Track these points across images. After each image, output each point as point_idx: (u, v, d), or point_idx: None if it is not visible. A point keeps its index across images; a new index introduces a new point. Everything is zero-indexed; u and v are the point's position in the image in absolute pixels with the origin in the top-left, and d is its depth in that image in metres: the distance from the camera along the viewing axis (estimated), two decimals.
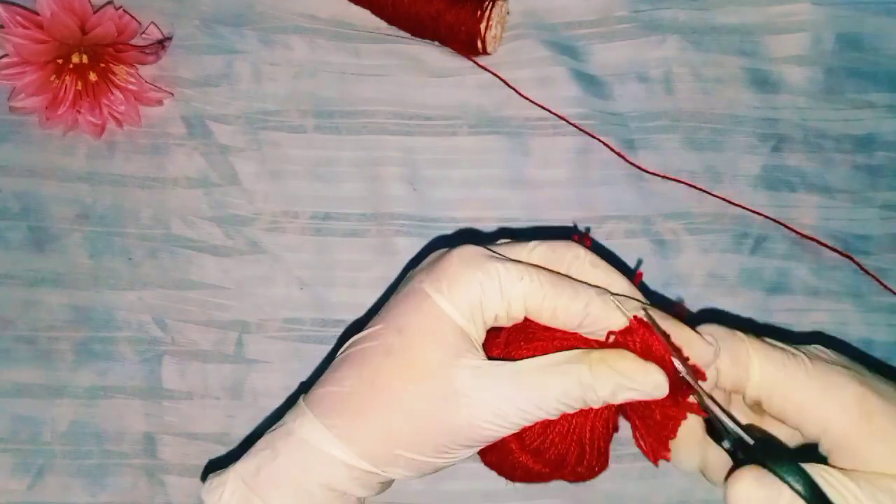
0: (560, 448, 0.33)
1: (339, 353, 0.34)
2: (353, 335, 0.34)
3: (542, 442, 0.33)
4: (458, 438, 0.32)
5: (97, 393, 0.46)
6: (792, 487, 0.28)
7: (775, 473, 0.29)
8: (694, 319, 0.33)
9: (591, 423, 0.33)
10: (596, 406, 0.32)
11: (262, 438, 0.34)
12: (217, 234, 0.47)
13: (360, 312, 0.47)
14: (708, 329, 0.32)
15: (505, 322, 0.33)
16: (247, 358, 0.46)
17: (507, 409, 0.31)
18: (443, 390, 0.31)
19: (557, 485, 0.45)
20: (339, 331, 0.46)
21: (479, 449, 0.33)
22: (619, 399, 0.31)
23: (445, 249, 0.34)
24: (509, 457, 0.34)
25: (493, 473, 0.44)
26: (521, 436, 0.33)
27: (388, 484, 0.34)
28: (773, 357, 0.32)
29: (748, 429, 0.31)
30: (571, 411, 0.32)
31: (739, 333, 0.33)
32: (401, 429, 0.32)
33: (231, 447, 0.45)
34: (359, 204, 0.48)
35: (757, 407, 0.33)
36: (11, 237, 0.47)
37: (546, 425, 0.33)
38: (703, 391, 0.32)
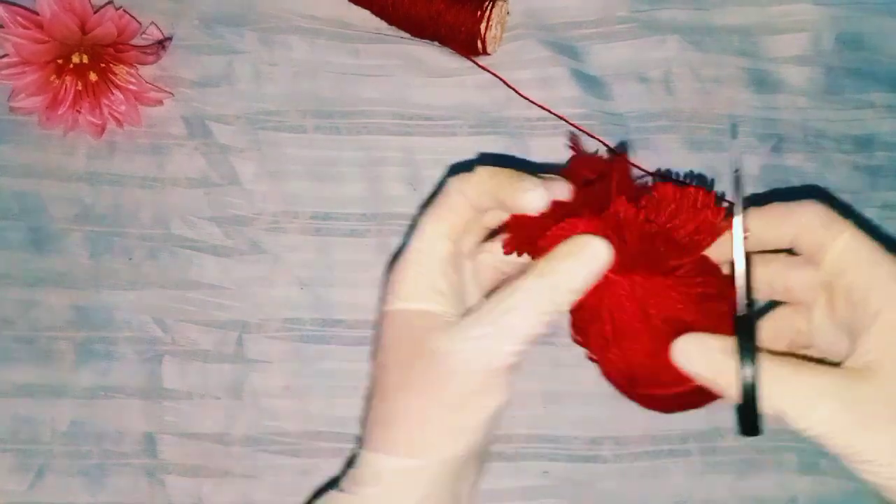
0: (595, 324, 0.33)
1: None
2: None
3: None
4: (463, 394, 0.32)
5: (97, 393, 0.46)
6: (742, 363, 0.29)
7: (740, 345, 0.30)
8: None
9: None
10: (573, 299, 0.32)
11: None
12: (217, 234, 0.47)
13: (360, 312, 0.47)
14: (808, 204, 0.33)
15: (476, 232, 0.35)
16: (247, 358, 0.46)
17: (490, 346, 0.32)
18: (433, 364, 0.32)
19: (557, 485, 0.45)
20: (339, 331, 0.46)
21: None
22: (582, 284, 0.32)
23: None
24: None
25: (493, 473, 0.45)
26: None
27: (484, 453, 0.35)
28: (865, 240, 0.32)
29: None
30: (553, 317, 0.32)
31: (844, 220, 0.33)
32: (422, 410, 0.33)
33: (231, 447, 0.45)
34: (359, 204, 0.48)
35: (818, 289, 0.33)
36: (11, 237, 0.47)
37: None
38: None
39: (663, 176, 0.35)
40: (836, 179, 0.49)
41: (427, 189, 0.48)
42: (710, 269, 0.33)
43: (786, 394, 0.30)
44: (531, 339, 0.32)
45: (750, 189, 0.48)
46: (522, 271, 0.33)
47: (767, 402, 0.30)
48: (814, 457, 0.45)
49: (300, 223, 0.48)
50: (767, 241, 0.34)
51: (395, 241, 0.47)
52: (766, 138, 0.49)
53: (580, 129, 0.48)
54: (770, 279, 0.34)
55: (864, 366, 0.30)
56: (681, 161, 0.48)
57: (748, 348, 0.30)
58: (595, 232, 0.32)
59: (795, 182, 0.48)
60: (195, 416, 0.45)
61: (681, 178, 0.43)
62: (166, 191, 0.48)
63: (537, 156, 0.48)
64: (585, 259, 0.32)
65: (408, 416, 0.33)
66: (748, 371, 0.29)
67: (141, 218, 0.48)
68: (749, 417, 0.30)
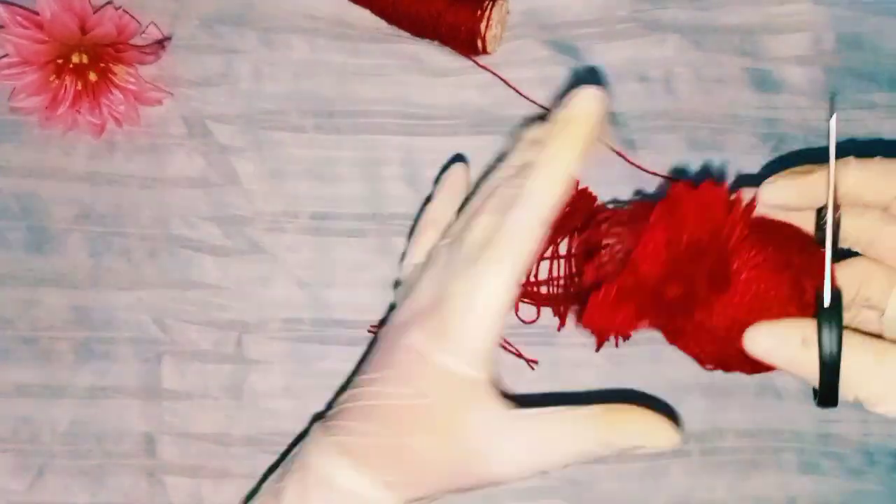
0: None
1: (349, 394, 0.36)
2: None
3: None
4: (481, 483, 0.34)
5: (97, 393, 0.46)
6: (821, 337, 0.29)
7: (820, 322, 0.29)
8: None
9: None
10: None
11: (287, 479, 0.35)
12: (217, 234, 0.47)
13: (360, 312, 0.47)
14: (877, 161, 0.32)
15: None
16: (247, 358, 0.46)
17: (525, 462, 0.32)
18: (460, 449, 0.33)
19: (557, 485, 0.45)
20: (339, 331, 0.46)
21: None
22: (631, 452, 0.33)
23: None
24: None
25: None
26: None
27: None
28: None
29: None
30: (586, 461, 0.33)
31: None
32: (428, 477, 0.33)
33: (231, 447, 0.45)
34: (359, 204, 0.48)
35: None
36: (11, 237, 0.47)
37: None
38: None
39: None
40: None
41: (427, 189, 0.48)
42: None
43: (864, 384, 0.29)
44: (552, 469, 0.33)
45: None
46: None
47: (847, 390, 0.30)
48: (814, 457, 0.45)
49: (300, 223, 0.48)
50: (866, 196, 0.32)
51: (395, 241, 0.47)
52: (766, 138, 0.49)
53: None
54: (858, 232, 0.33)
55: None
56: (681, 161, 0.48)
57: (830, 331, 0.29)
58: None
59: None
60: (195, 416, 0.45)
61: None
62: (166, 191, 0.48)
63: None
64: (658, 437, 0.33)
65: (412, 473, 0.33)
66: (828, 355, 0.29)
67: (141, 218, 0.48)
68: (827, 395, 0.30)
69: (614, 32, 0.50)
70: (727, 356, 0.33)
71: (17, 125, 0.48)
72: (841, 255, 0.33)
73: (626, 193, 0.48)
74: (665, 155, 0.48)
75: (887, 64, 0.50)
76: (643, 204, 0.33)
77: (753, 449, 0.46)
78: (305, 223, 0.48)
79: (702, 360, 0.34)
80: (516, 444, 0.32)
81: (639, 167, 0.48)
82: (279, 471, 0.38)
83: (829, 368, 0.29)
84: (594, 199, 0.48)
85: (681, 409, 0.46)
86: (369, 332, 0.46)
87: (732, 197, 0.33)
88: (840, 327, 0.29)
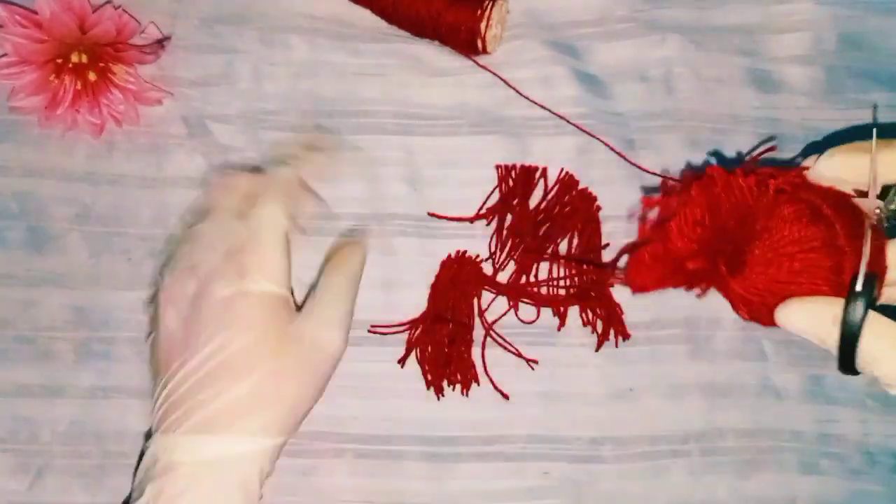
0: None
1: (167, 391, 0.39)
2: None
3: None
4: (327, 366, 0.40)
5: (97, 393, 0.46)
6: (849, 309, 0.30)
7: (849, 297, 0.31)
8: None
9: None
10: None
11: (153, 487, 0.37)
12: None
13: (360, 312, 0.46)
14: None
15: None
16: None
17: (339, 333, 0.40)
18: (304, 351, 0.38)
19: (557, 485, 0.45)
20: None
21: None
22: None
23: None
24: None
25: (494, 473, 0.45)
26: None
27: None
28: None
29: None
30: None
31: None
32: (288, 399, 0.38)
33: None
34: (359, 204, 0.48)
35: None
36: (11, 237, 0.47)
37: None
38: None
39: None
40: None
41: (427, 189, 0.48)
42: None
43: (881, 365, 0.31)
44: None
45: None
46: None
47: (865, 367, 0.31)
48: (814, 457, 0.45)
49: (300, 223, 0.47)
50: None
51: (395, 241, 0.47)
52: (765, 138, 0.49)
53: (580, 129, 0.48)
54: None
55: None
56: (681, 161, 0.48)
57: (854, 310, 0.31)
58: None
59: None
60: None
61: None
62: (166, 191, 0.48)
63: (538, 156, 0.48)
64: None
65: (283, 400, 0.38)
66: (848, 333, 0.31)
67: (140, 218, 0.47)
68: (846, 367, 0.32)
69: (614, 32, 0.50)
70: (759, 315, 0.34)
71: (17, 125, 0.48)
72: None
73: (626, 193, 0.48)
74: (665, 155, 0.48)
75: (887, 64, 0.50)
76: (692, 176, 0.35)
77: (753, 449, 0.46)
78: (306, 223, 0.48)
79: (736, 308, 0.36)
80: (318, 323, 0.39)
81: (639, 167, 0.48)
82: (135, 495, 0.38)
83: (847, 345, 0.31)
84: (594, 198, 0.48)
85: (681, 409, 0.46)
86: (369, 332, 0.46)
87: (774, 177, 0.34)
88: (866, 308, 0.31)
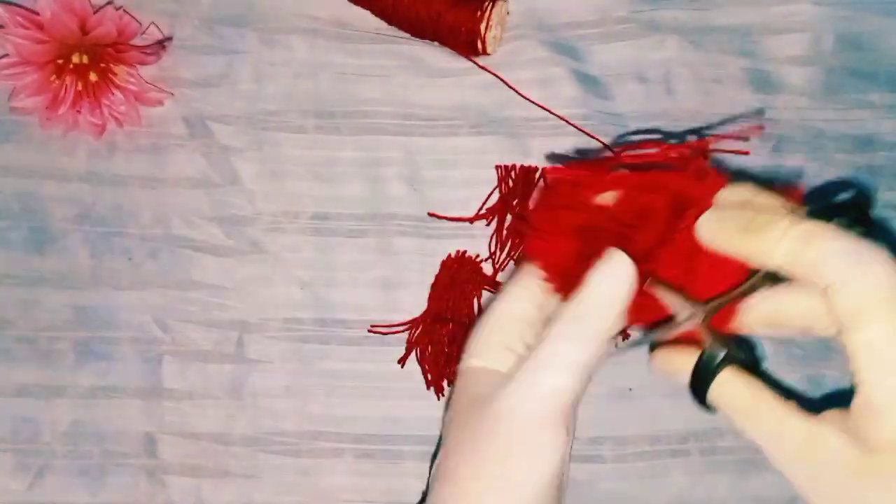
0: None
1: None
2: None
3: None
4: (511, 442, 0.32)
5: (97, 393, 0.46)
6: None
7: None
8: None
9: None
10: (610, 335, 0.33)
11: None
12: (217, 234, 0.47)
13: (360, 312, 0.47)
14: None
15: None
16: (247, 358, 0.46)
17: (534, 392, 0.32)
18: (483, 418, 0.33)
19: None
20: (339, 331, 0.47)
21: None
22: (615, 323, 0.33)
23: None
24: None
25: None
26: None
27: None
28: (850, 248, 0.29)
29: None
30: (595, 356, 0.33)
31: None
32: (473, 468, 0.33)
33: (231, 447, 0.45)
34: (359, 204, 0.48)
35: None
36: (11, 237, 0.47)
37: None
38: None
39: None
40: (836, 180, 0.49)
41: (427, 189, 0.48)
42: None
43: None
44: (575, 384, 0.32)
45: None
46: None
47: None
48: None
49: (300, 223, 0.48)
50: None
51: (395, 241, 0.47)
52: (766, 138, 0.49)
53: (580, 129, 0.48)
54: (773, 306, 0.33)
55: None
56: None
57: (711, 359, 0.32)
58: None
59: (796, 182, 0.48)
60: (195, 416, 0.46)
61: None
62: (166, 191, 0.48)
63: (537, 156, 0.48)
64: (616, 292, 0.32)
65: (463, 473, 0.33)
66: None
67: (141, 218, 0.48)
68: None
69: (614, 33, 0.50)
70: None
71: (18, 125, 0.48)
72: None
73: None
74: None
75: (887, 64, 0.50)
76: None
77: (753, 449, 0.45)
78: (306, 223, 0.48)
79: None
80: (516, 385, 0.32)
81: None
82: None
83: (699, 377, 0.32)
84: None
85: (681, 409, 0.46)
86: (369, 332, 0.46)
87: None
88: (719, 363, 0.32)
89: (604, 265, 0.32)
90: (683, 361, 0.33)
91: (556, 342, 0.32)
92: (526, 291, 0.35)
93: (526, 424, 0.32)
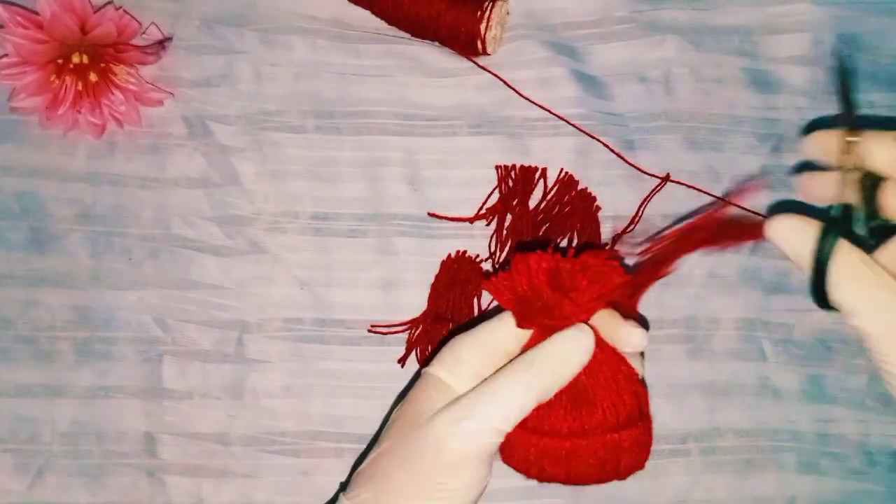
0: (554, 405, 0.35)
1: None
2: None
3: (539, 410, 0.35)
4: (436, 467, 0.34)
5: (97, 393, 0.46)
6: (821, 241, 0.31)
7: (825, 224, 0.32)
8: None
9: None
10: (553, 392, 0.35)
11: None
12: (217, 234, 0.47)
13: (360, 312, 0.47)
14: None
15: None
16: (247, 358, 0.46)
17: (471, 427, 0.34)
18: (421, 437, 0.34)
19: (557, 485, 0.45)
20: (339, 331, 0.46)
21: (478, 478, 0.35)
22: (565, 382, 0.35)
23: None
24: (519, 444, 0.35)
25: (494, 473, 0.44)
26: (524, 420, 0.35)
27: None
28: None
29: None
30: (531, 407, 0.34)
31: None
32: (400, 480, 0.34)
33: (231, 447, 0.45)
34: (359, 204, 0.48)
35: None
36: (12, 237, 0.47)
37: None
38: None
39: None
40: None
41: (427, 189, 0.48)
42: None
43: (844, 295, 0.31)
44: (509, 427, 0.34)
45: (749, 185, 0.48)
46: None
47: (831, 294, 0.32)
48: (814, 457, 0.45)
49: (300, 223, 0.48)
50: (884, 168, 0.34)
51: (395, 241, 0.47)
52: (766, 138, 0.49)
53: (580, 129, 0.48)
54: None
55: None
56: (680, 161, 0.48)
57: (829, 238, 0.32)
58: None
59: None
60: (195, 416, 0.45)
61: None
62: (166, 191, 0.48)
63: (537, 156, 0.48)
64: (573, 357, 0.35)
65: (386, 482, 0.34)
66: (819, 259, 0.32)
67: (141, 218, 0.48)
68: (816, 294, 0.32)
69: (613, 33, 0.50)
70: None
71: (18, 125, 0.48)
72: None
73: (625, 194, 0.48)
74: (664, 155, 0.48)
75: (887, 64, 0.50)
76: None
77: (753, 449, 0.46)
78: (306, 223, 0.48)
79: None
80: (459, 415, 0.34)
81: (638, 168, 0.48)
82: None
83: (818, 271, 0.32)
84: (594, 199, 0.48)
85: (680, 409, 0.46)
86: (369, 331, 0.46)
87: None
88: (837, 237, 0.32)
89: (571, 332, 0.35)
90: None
91: (507, 385, 0.34)
92: (511, 323, 0.36)
93: (453, 459, 0.33)
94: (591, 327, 0.35)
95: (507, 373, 0.34)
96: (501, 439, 0.34)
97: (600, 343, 0.35)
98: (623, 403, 0.35)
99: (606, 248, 0.38)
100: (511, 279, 0.35)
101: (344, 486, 0.37)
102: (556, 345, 0.35)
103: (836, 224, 0.32)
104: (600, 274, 0.35)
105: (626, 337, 0.36)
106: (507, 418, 0.34)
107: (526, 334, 0.36)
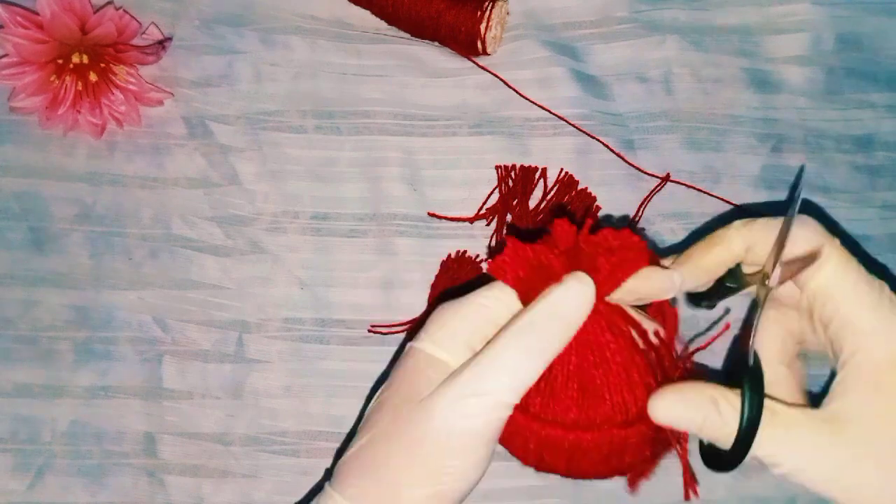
0: (562, 396, 0.32)
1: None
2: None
3: (543, 397, 0.32)
4: (441, 450, 0.31)
5: (97, 393, 0.46)
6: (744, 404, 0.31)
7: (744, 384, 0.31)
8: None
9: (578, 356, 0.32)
10: (553, 356, 0.32)
11: None
12: (217, 234, 0.47)
13: (361, 312, 0.47)
14: (804, 221, 0.33)
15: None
16: (247, 358, 0.46)
17: (473, 406, 0.31)
18: (418, 419, 0.31)
19: (557, 484, 0.45)
20: (339, 331, 0.46)
21: (477, 463, 0.32)
22: (561, 345, 0.32)
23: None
24: (520, 430, 0.32)
25: (493, 473, 0.44)
26: (524, 404, 0.32)
27: None
28: (851, 269, 0.32)
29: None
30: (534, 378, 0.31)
31: (835, 240, 0.33)
32: (399, 467, 0.31)
33: (231, 447, 0.45)
34: (359, 204, 0.48)
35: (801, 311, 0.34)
36: (12, 237, 0.47)
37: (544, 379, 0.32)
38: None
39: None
40: (836, 179, 0.49)
41: (427, 189, 0.48)
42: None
43: (770, 449, 0.31)
44: (517, 399, 0.31)
45: (749, 189, 0.48)
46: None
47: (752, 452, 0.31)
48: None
49: (300, 223, 0.48)
50: (754, 254, 0.34)
51: (395, 241, 0.47)
52: (766, 138, 0.49)
53: (580, 129, 0.48)
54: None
55: (834, 416, 0.31)
56: (680, 161, 0.48)
57: (752, 398, 0.31)
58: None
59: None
60: (195, 416, 0.45)
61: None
62: (166, 191, 0.48)
63: (537, 156, 0.48)
64: (576, 310, 0.32)
65: (384, 471, 0.31)
66: (748, 420, 0.31)
67: (141, 218, 0.48)
68: (734, 459, 0.32)
69: (613, 33, 0.50)
70: None
71: (18, 125, 0.48)
72: None
73: (625, 193, 0.48)
74: (664, 155, 0.48)
75: (887, 64, 0.50)
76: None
77: None
78: (305, 223, 0.48)
79: None
80: (457, 393, 0.31)
81: (637, 168, 0.48)
82: None
83: (746, 434, 0.31)
84: (594, 199, 0.48)
85: None
86: (369, 331, 0.46)
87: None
88: (761, 394, 0.31)
89: (567, 282, 0.31)
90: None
91: (511, 353, 0.31)
92: (503, 293, 0.33)
93: (461, 439, 0.31)
94: (613, 305, 0.33)
95: (508, 338, 0.31)
96: (510, 412, 0.31)
97: (615, 330, 0.32)
98: (634, 398, 0.32)
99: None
100: (517, 258, 0.32)
101: (329, 474, 0.34)
102: (555, 300, 0.31)
103: (756, 379, 0.31)
104: (624, 260, 0.32)
105: (662, 283, 0.33)
106: (516, 389, 0.31)
107: (515, 302, 0.33)
